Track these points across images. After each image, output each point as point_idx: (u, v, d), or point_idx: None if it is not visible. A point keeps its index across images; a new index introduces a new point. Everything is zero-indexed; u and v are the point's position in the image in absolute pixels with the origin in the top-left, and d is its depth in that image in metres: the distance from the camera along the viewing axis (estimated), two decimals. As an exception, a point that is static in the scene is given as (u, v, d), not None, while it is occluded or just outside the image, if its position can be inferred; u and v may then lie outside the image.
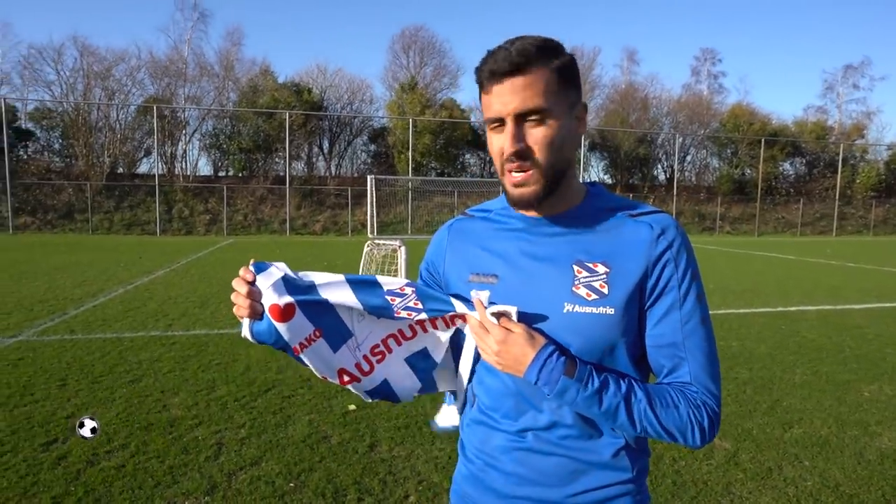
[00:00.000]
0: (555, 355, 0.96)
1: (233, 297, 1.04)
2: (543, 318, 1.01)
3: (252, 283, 1.03)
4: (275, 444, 3.38)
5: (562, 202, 1.05)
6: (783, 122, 37.83)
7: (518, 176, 0.99)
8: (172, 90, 30.82)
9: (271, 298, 1.02)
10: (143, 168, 30.14)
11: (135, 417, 3.75)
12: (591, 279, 1.01)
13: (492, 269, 1.08)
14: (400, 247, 8.32)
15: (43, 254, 14.83)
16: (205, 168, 34.48)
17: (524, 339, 0.97)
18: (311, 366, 1.10)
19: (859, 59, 51.92)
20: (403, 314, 1.07)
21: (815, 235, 32.62)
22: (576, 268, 1.02)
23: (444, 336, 1.14)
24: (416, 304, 1.06)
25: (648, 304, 1.01)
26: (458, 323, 1.09)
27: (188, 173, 30.32)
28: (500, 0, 69.09)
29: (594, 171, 36.91)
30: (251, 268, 1.04)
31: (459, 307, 1.05)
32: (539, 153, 0.98)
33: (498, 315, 1.01)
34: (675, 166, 34.17)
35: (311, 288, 1.06)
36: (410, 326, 1.12)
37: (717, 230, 31.93)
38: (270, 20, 60.25)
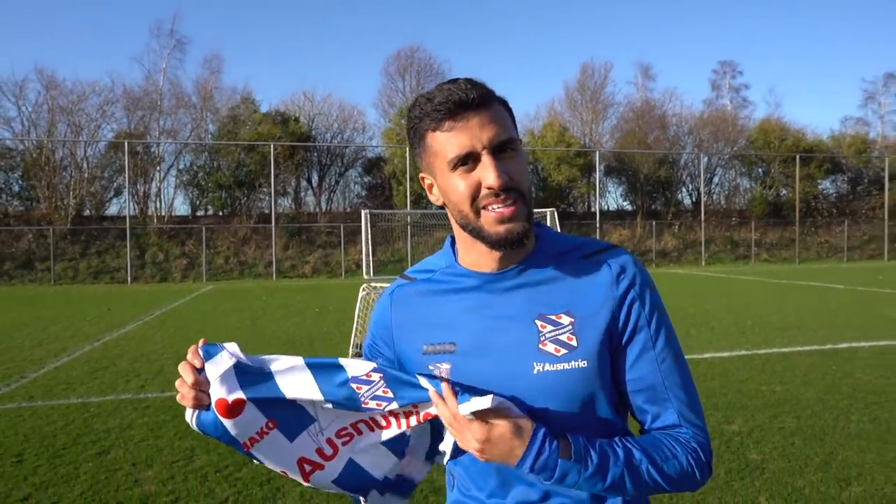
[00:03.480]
0: (547, 441, 0.96)
1: (177, 383, 1.05)
2: (511, 383, 1.02)
3: (200, 371, 1.04)
4: (261, 521, 3.33)
5: (520, 249, 1.07)
6: (818, 136, 38.34)
7: (506, 209, 1.00)
8: (146, 124, 31.56)
9: (219, 392, 1.03)
10: (112, 209, 30.57)
11: (102, 496, 3.71)
12: (557, 333, 1.03)
13: (447, 337, 1.08)
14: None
15: None
16: (181, 207, 34.87)
17: (510, 432, 0.95)
18: (265, 462, 1.09)
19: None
20: (372, 404, 1.05)
21: (865, 260, 32.53)
22: (539, 323, 1.04)
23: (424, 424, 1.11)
24: (385, 392, 1.04)
25: (620, 347, 1.05)
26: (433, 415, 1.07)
27: (163, 213, 30.73)
28: (502, 18, 71.25)
29: (612, 197, 37.26)
30: (200, 352, 1.05)
31: (426, 385, 1.02)
32: (521, 185, 1.02)
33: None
34: (702, 189, 34.41)
35: (267, 377, 1.06)
36: (384, 416, 1.10)
37: (753, 258, 31.91)
38: (252, 45, 62.20)
